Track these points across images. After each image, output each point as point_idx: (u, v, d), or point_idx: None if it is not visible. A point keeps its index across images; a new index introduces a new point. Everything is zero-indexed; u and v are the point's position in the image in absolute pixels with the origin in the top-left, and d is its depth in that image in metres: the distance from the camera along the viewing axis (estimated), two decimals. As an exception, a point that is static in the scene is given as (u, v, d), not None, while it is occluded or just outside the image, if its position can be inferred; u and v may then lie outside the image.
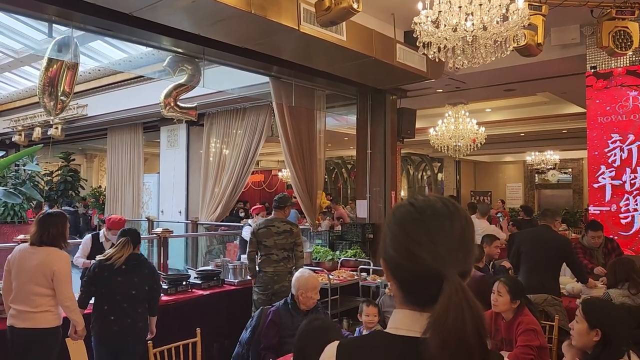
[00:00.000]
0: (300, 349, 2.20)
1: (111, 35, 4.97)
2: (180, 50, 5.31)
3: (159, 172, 11.00)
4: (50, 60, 4.71)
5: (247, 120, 8.95)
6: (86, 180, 15.08)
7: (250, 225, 6.41)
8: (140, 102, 9.41)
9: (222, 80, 6.45)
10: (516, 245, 4.82)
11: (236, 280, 5.35)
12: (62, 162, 13.73)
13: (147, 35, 4.73)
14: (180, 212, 10.07)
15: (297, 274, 3.49)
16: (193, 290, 4.99)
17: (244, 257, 5.94)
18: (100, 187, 14.88)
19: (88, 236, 5.36)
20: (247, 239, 6.20)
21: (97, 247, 5.11)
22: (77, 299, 3.52)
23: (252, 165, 9.09)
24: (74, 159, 14.38)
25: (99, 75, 9.85)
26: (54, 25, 4.54)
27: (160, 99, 6.37)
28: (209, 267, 5.81)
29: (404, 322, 1.00)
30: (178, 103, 6.27)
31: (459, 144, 10.01)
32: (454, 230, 1.00)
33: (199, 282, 5.12)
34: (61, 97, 5.20)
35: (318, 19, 4.20)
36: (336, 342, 1.05)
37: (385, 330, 1.03)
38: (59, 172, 13.46)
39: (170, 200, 10.36)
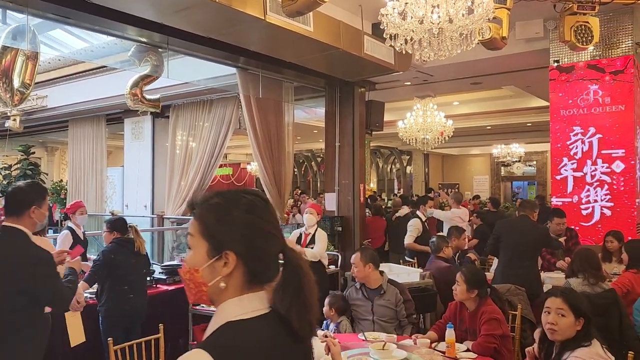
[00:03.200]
0: None
1: (71, 24, 4.78)
2: (143, 39, 5.17)
3: (123, 166, 10.73)
4: (4, 49, 4.51)
5: (214, 113, 8.80)
6: (47, 174, 14.61)
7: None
8: (103, 93, 9.13)
9: (188, 71, 6.31)
10: (495, 235, 4.89)
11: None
12: (22, 155, 13.26)
13: (109, 23, 4.58)
14: (145, 207, 9.86)
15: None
16: (157, 286, 4.89)
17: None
18: (61, 181, 14.44)
19: (65, 231, 5.22)
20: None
21: (76, 238, 5.16)
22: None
23: (220, 159, 8.95)
24: (33, 152, 13.88)
25: (60, 65, 9.51)
26: (7, 11, 4.34)
27: (125, 90, 6.21)
28: (175, 262, 5.70)
29: (254, 305, 1.11)
30: (144, 95, 6.13)
31: (427, 136, 10.12)
32: (275, 214, 1.21)
33: (164, 277, 5.02)
34: (20, 89, 5.01)
35: (284, 9, 4.14)
36: (201, 350, 1.03)
37: (239, 319, 1.09)
38: (18, 165, 12.99)
39: (135, 194, 10.12)
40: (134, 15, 4.47)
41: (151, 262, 4.95)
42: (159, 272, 5.09)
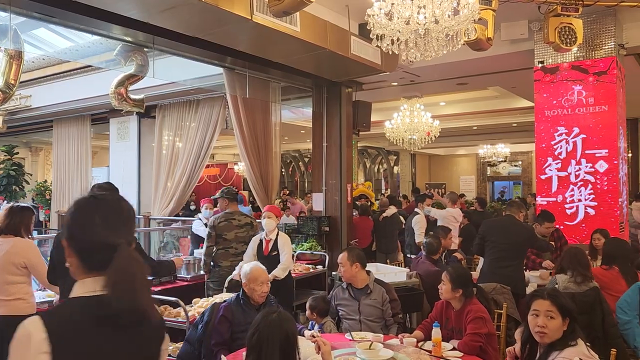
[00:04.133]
0: (256, 342, 2.15)
1: (56, 23, 4.71)
2: (129, 39, 5.13)
3: (108, 166, 10.63)
4: (-15, 49, 4.45)
5: (200, 113, 8.76)
6: (31, 175, 14.42)
7: (200, 219, 6.28)
8: (88, 93, 9.04)
9: (174, 71, 6.26)
10: (481, 235, 4.92)
11: (189, 276, 5.24)
12: (5, 155, 13.07)
13: (94, 22, 4.54)
14: (131, 207, 9.78)
15: (243, 267, 3.46)
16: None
17: (197, 252, 5.83)
18: (46, 181, 14.27)
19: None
20: (198, 233, 6.10)
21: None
22: None
23: (206, 159, 8.92)
24: (17, 152, 13.70)
25: (44, 65, 9.40)
26: (-10, 10, 4.28)
27: (110, 89, 6.15)
28: (161, 263, 5.66)
29: (88, 287, 1.28)
30: (129, 94, 6.08)
31: (414, 137, 10.17)
32: (121, 212, 1.39)
33: (150, 278, 4.97)
34: (3, 89, 4.94)
35: (271, 9, 4.14)
36: (36, 317, 1.21)
37: (75, 296, 1.29)
38: (1, 165, 12.81)
39: (121, 194, 10.02)
40: (120, 15, 4.43)
41: None
42: (145, 274, 5.04)
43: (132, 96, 5.91)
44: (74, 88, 9.31)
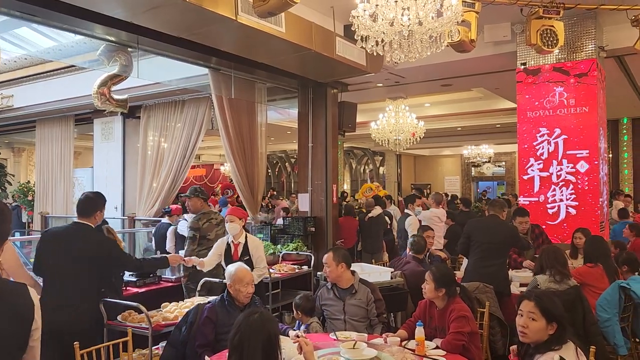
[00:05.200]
0: (237, 342, 2.14)
1: (38, 22, 4.67)
2: (112, 39, 5.09)
3: (92, 167, 10.53)
4: (-34, 47, 4.39)
5: (186, 113, 8.71)
6: (13, 176, 14.26)
7: (186, 219, 6.24)
8: (72, 93, 8.93)
9: (158, 71, 6.22)
10: (466, 234, 4.97)
11: (174, 277, 5.21)
12: (-13, 156, 12.90)
13: (77, 22, 4.50)
14: (116, 208, 9.69)
15: (227, 268, 3.45)
16: (127, 288, 4.81)
17: (181, 252, 5.80)
18: (29, 182, 14.09)
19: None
20: (184, 234, 6.07)
21: None
22: None
23: (192, 159, 8.87)
24: (-1, 153, 13.56)
25: (26, 64, 9.28)
26: (-31, 9, 4.22)
27: (93, 89, 6.09)
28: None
29: None
30: (112, 94, 6.02)
31: (399, 137, 10.22)
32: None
33: (134, 279, 4.94)
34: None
35: (255, 10, 4.14)
36: None
37: None
38: (-17, 167, 12.65)
39: (105, 195, 9.90)
40: (103, 14, 4.40)
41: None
42: (129, 275, 5.00)
43: (116, 96, 5.86)
44: (57, 88, 9.21)
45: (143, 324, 3.72)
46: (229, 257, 4.54)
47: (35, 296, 1.76)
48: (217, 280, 4.57)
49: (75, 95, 8.87)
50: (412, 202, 7.73)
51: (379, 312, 3.69)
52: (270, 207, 11.43)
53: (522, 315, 2.52)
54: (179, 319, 3.60)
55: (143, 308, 3.65)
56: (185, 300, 4.30)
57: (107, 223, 4.24)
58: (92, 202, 3.79)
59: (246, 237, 4.64)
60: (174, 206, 7.22)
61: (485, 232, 4.85)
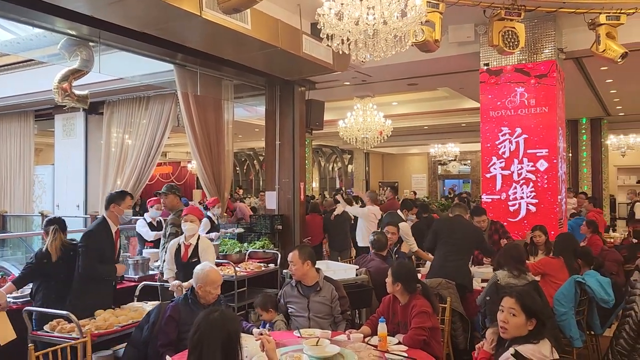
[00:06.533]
0: (197, 341, 2.11)
1: (-6, 14, 4.52)
2: (73, 32, 4.97)
3: (53, 164, 10.25)
4: None
5: (151, 109, 8.56)
6: (-30, 173, 13.72)
7: (145, 219, 6.12)
8: (31, 88, 8.67)
9: (121, 66, 6.08)
10: (433, 231, 5.09)
11: (137, 276, 5.12)
12: (-59, 152, 12.37)
13: (36, 15, 4.38)
14: (78, 206, 9.46)
15: (197, 268, 3.39)
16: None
17: (145, 252, 5.72)
18: (-14, 180, 13.60)
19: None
20: (142, 234, 5.97)
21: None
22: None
23: (158, 156, 8.72)
24: (-46, 150, 13.01)
25: (-18, 58, 8.96)
26: None
27: (53, 84, 5.93)
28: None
29: None
30: (73, 90, 5.88)
31: (367, 136, 10.31)
32: None
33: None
34: None
35: (220, 6, 4.11)
36: None
37: None
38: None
39: (67, 193, 9.69)
40: (64, 7, 4.28)
41: None
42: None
43: (77, 92, 5.72)
44: (16, 83, 8.90)
45: (73, 334, 3.40)
46: (177, 259, 4.42)
47: None
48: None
49: (35, 90, 8.61)
50: (408, 208, 7.49)
51: (343, 309, 3.72)
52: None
53: (502, 311, 2.57)
54: (115, 326, 3.56)
55: (73, 317, 3.39)
56: (128, 304, 4.17)
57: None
58: None
59: (198, 238, 4.51)
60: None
61: (453, 229, 4.97)
